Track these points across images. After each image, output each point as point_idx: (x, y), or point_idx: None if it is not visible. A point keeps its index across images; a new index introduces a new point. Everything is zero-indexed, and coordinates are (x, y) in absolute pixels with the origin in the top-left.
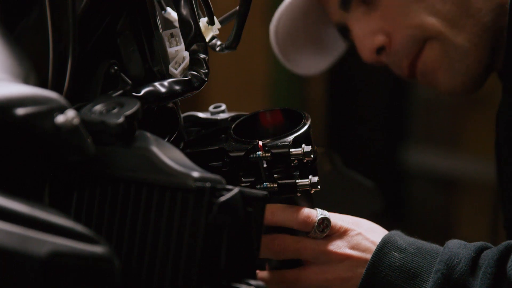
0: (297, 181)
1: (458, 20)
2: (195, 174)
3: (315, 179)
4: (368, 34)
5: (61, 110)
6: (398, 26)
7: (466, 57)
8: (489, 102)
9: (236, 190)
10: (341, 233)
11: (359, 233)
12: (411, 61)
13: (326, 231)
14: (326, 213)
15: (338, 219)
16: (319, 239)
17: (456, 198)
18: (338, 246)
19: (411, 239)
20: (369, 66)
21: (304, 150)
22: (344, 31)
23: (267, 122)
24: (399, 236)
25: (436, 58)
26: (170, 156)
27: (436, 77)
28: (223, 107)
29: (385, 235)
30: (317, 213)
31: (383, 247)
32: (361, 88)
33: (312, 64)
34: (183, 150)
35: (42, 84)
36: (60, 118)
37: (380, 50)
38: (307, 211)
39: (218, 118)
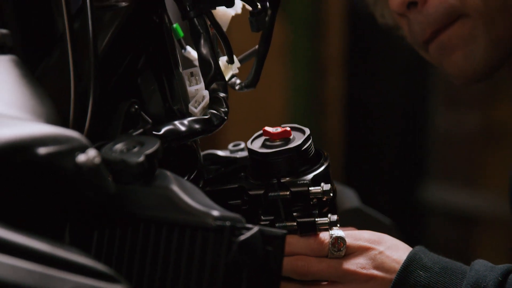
0: (316, 219)
1: (502, 12)
2: (215, 213)
3: (334, 217)
4: None
5: (82, 149)
6: None
7: (492, 49)
8: (509, 138)
9: (255, 229)
10: (362, 251)
11: (382, 252)
12: (437, 29)
13: (343, 249)
14: (339, 232)
15: (357, 237)
16: (341, 258)
17: (475, 235)
18: (362, 266)
19: (436, 257)
20: (387, 101)
21: (324, 189)
22: None
23: None
24: (424, 253)
25: (463, 37)
26: (190, 194)
27: (452, 56)
28: (242, 145)
29: (410, 253)
30: (330, 234)
31: (409, 265)
32: (379, 124)
33: None
34: (202, 189)
35: (63, 123)
36: (81, 157)
37: (411, 5)
38: (320, 236)
39: (237, 156)
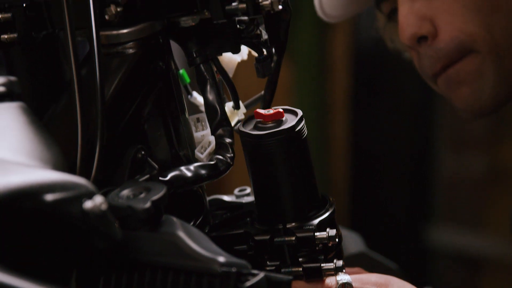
0: (322, 265)
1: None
2: (221, 259)
3: (340, 262)
4: (417, 17)
5: (89, 195)
6: (452, 25)
7: (500, 85)
8: None
9: (261, 275)
10: None
11: None
12: (447, 63)
13: None
14: (346, 277)
15: (364, 281)
16: None
17: (482, 278)
18: None
19: None
20: (392, 144)
21: (329, 234)
22: (387, 1)
23: None
24: None
25: (471, 72)
26: (196, 240)
27: (460, 90)
28: (248, 190)
29: None
30: (337, 280)
31: None
32: (384, 167)
33: (341, 14)
34: (208, 234)
35: (70, 169)
36: (88, 204)
37: (421, 39)
38: (327, 281)
39: (243, 201)
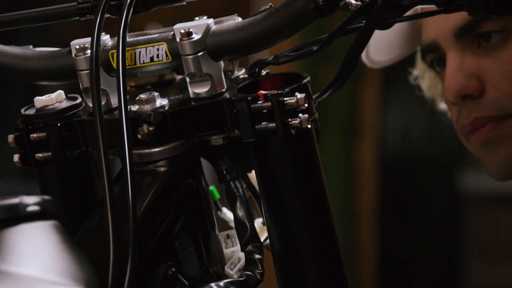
0: None
1: None
2: None
3: None
4: (466, 75)
5: None
6: (499, 87)
7: None
8: None
9: None
10: None
11: None
12: (481, 116)
13: None
14: None
15: None
16: None
17: None
18: None
19: None
20: (420, 254)
21: None
22: (434, 53)
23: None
24: None
25: (509, 136)
26: None
27: (496, 152)
28: None
29: None
30: None
31: None
32: (413, 278)
33: (385, 60)
34: None
35: (102, 287)
36: None
37: (466, 97)
38: None
39: None
